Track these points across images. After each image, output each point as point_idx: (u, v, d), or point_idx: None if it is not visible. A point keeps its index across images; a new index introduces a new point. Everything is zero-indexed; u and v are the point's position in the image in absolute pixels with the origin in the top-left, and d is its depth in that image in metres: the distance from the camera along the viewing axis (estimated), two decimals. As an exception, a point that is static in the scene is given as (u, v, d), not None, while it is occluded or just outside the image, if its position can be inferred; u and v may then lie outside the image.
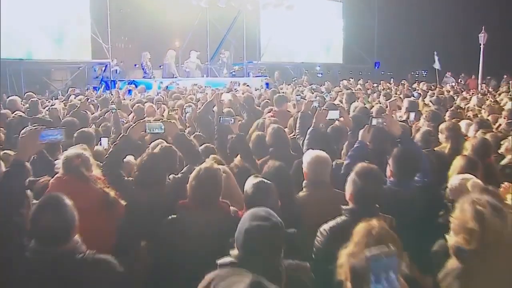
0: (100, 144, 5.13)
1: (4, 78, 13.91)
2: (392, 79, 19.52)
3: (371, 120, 3.67)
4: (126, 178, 3.30)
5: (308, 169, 3.46)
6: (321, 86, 14.80)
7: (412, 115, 6.32)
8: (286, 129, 5.85)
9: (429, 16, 23.76)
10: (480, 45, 18.19)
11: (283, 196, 2.89)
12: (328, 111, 4.35)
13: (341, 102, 7.88)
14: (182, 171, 3.41)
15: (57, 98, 11.28)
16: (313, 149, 3.67)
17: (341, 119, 4.39)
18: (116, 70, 16.69)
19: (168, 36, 19.55)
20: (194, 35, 19.57)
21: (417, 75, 24.82)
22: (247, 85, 11.38)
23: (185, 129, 6.61)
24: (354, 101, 7.64)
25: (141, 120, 3.66)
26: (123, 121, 6.82)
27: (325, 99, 7.72)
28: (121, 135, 3.53)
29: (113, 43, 18.14)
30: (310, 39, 21.56)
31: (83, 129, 4.53)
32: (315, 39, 21.90)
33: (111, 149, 3.39)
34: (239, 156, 4.33)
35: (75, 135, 4.45)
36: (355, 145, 3.64)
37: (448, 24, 23.20)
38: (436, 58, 16.50)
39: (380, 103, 9.02)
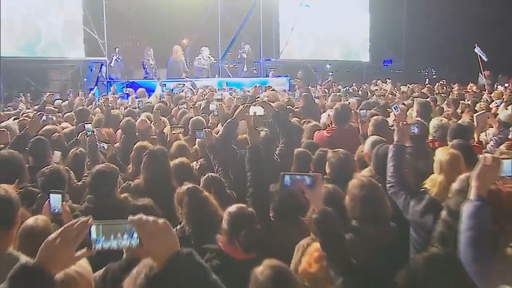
0: (50, 206, 2.91)
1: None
2: (427, 79, 17.18)
3: None
4: None
5: None
6: (350, 87, 12.66)
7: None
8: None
9: (462, 5, 20.95)
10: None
11: None
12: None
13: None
14: None
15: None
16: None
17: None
18: (118, 58, 14.50)
19: (176, 31, 17.40)
20: (203, 30, 17.35)
21: (426, 73, 22.30)
22: (273, 89, 9.04)
23: (197, 161, 4.45)
24: (431, 116, 5.39)
25: (84, 222, 1.42)
26: (103, 147, 4.65)
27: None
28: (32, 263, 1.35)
29: (121, 41, 16.84)
30: (333, 34, 19.23)
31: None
32: (338, 35, 19.55)
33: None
34: (316, 249, 2.15)
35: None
36: None
37: (484, 16, 20.39)
38: (478, 49, 13.82)
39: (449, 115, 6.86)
